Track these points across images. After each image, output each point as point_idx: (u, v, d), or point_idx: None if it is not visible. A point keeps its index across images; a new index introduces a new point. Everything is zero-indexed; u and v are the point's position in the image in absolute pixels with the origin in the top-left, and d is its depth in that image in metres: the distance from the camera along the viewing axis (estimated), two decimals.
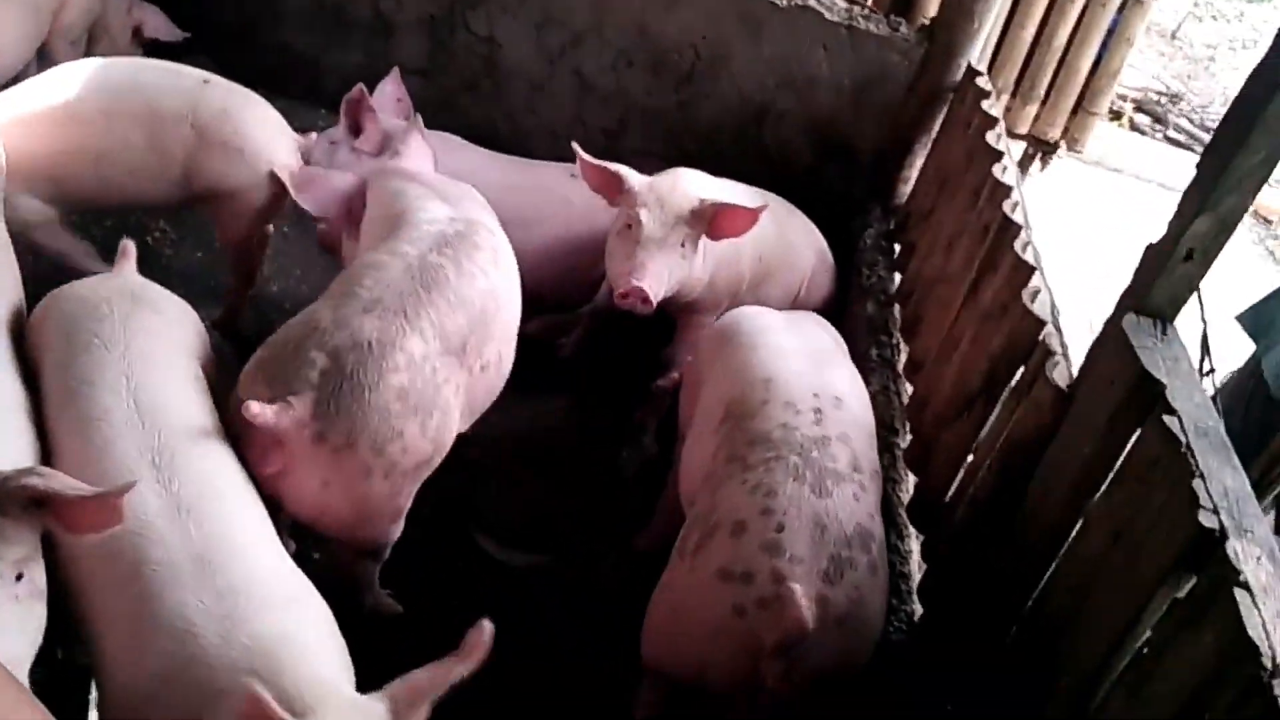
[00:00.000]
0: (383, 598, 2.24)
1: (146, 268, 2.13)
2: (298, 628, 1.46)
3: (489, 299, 2.11)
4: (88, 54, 3.38)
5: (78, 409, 1.66)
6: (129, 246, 2.06)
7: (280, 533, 1.74)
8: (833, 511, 1.74)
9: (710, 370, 2.28)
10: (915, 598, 2.22)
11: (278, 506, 1.88)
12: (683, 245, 2.58)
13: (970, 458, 2.19)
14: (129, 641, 1.43)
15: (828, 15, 3.23)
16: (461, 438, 2.75)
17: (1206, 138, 7.47)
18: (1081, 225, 4.81)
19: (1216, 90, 8.06)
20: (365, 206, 2.38)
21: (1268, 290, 2.93)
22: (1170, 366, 1.52)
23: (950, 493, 2.22)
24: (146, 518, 1.50)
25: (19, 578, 1.36)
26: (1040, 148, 4.51)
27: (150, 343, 1.81)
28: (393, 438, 1.85)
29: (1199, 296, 1.62)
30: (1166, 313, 1.62)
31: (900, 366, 2.85)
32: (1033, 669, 1.64)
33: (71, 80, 2.49)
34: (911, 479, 2.50)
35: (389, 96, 3.12)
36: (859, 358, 2.79)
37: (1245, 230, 6.32)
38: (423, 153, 2.72)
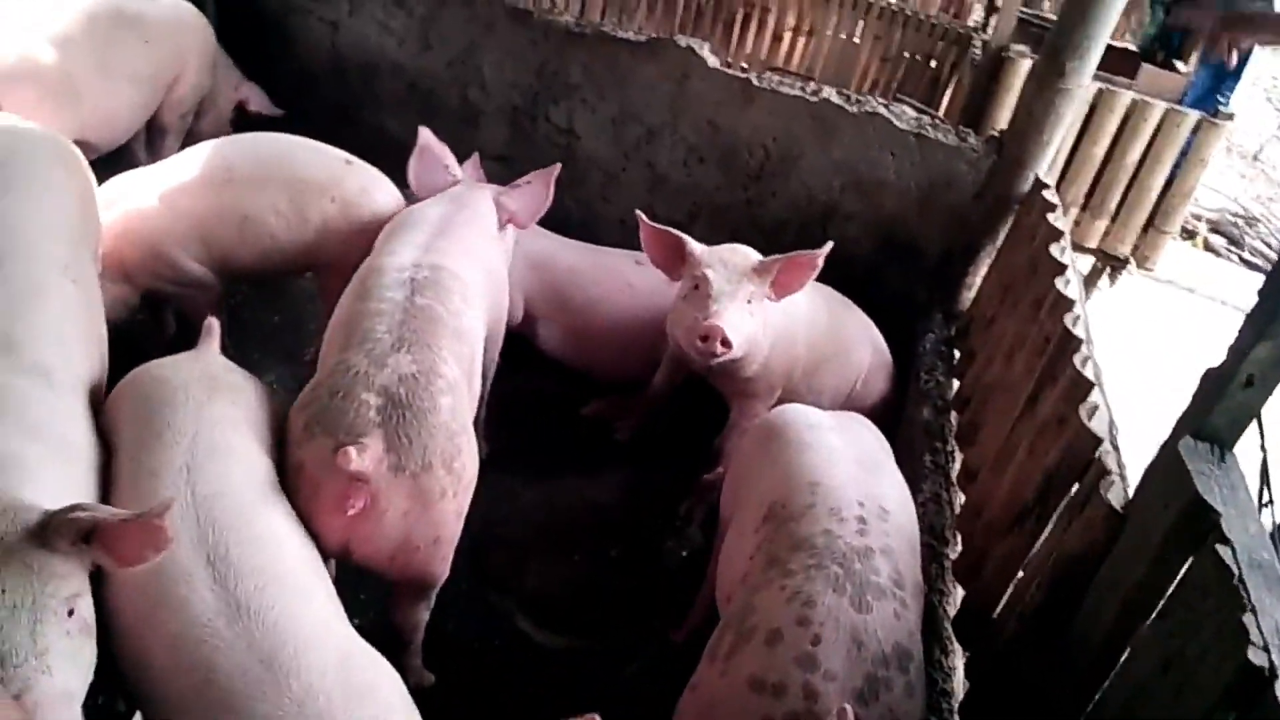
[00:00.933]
0: (420, 668, 2.26)
1: (227, 329, 2.26)
2: (387, 712, 1.48)
3: (473, 332, 2.32)
4: (193, 127, 3.64)
5: (139, 499, 1.68)
6: (214, 325, 2.16)
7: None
8: (871, 628, 1.69)
9: (756, 466, 2.27)
10: (957, 717, 2.15)
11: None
12: (749, 301, 2.63)
13: (1020, 573, 2.14)
14: None
15: (897, 123, 3.30)
16: (510, 515, 2.81)
17: None
18: (1150, 344, 4.72)
19: None
20: None
21: None
22: (1227, 495, 1.49)
23: (999, 608, 2.17)
24: (207, 620, 1.52)
25: (70, 613, 1.41)
26: (1110, 263, 4.48)
27: (221, 434, 1.84)
28: (457, 453, 2.00)
29: (1259, 424, 1.59)
30: (1225, 439, 1.59)
31: (954, 475, 2.81)
32: None
33: (229, 149, 2.78)
34: (959, 592, 2.45)
35: (469, 179, 3.28)
36: (914, 462, 2.77)
37: None
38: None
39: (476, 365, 2.38)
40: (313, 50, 3.89)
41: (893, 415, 3.15)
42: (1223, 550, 1.37)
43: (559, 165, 2.86)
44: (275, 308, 3.30)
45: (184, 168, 2.71)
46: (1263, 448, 1.56)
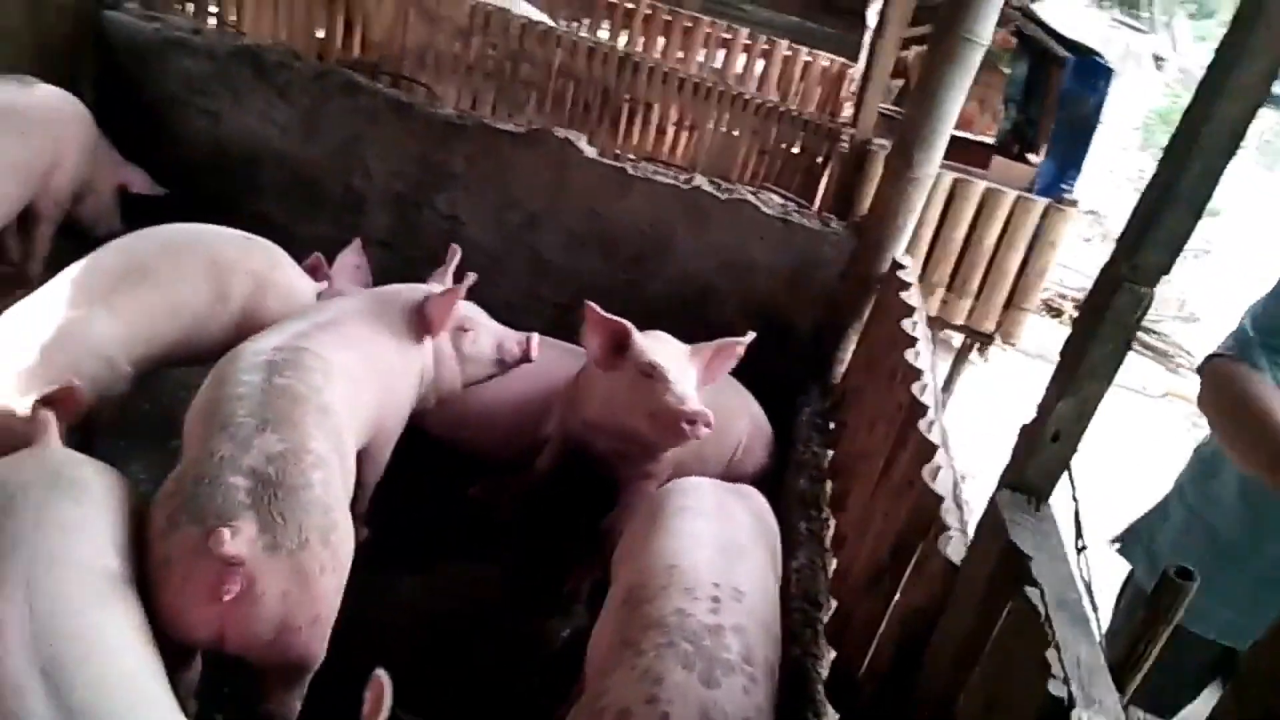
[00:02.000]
0: None
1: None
2: None
3: (337, 410, 2.29)
4: (72, 212, 3.60)
5: None
6: (48, 417, 2.06)
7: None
8: (720, 704, 1.71)
9: (627, 550, 2.33)
10: None
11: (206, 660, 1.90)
12: (693, 382, 2.78)
13: (881, 631, 2.22)
14: None
15: (764, 209, 3.50)
16: (388, 602, 2.76)
17: (1149, 338, 7.86)
18: (1017, 412, 4.98)
19: (1167, 293, 8.55)
20: None
21: None
22: (1039, 541, 1.60)
23: (861, 669, 2.23)
24: None
25: None
26: (977, 338, 4.74)
27: (61, 540, 1.76)
28: (333, 528, 1.99)
29: (1069, 475, 1.71)
30: (1040, 490, 1.71)
31: (828, 541, 2.90)
32: None
33: (141, 247, 2.76)
34: (832, 654, 2.51)
35: (349, 264, 3.33)
36: (790, 530, 2.85)
37: (1204, 428, 6.54)
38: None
39: (346, 443, 2.36)
40: (194, 140, 3.91)
41: (772, 483, 3.25)
42: (1031, 592, 1.46)
43: (474, 276, 2.87)
44: (145, 395, 3.23)
45: (98, 274, 2.63)
46: (1074, 498, 1.68)
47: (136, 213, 3.76)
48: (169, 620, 1.85)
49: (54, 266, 3.46)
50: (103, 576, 1.78)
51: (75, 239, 3.61)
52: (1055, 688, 1.29)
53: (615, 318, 2.79)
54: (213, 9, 4.86)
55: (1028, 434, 1.72)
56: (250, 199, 3.92)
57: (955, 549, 1.90)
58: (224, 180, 3.91)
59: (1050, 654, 1.35)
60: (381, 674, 1.38)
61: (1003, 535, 1.61)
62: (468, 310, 2.94)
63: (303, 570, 1.92)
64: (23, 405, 2.12)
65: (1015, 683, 1.43)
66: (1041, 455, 1.69)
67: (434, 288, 2.90)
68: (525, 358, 3.00)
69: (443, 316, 2.77)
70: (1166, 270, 1.56)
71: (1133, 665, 1.50)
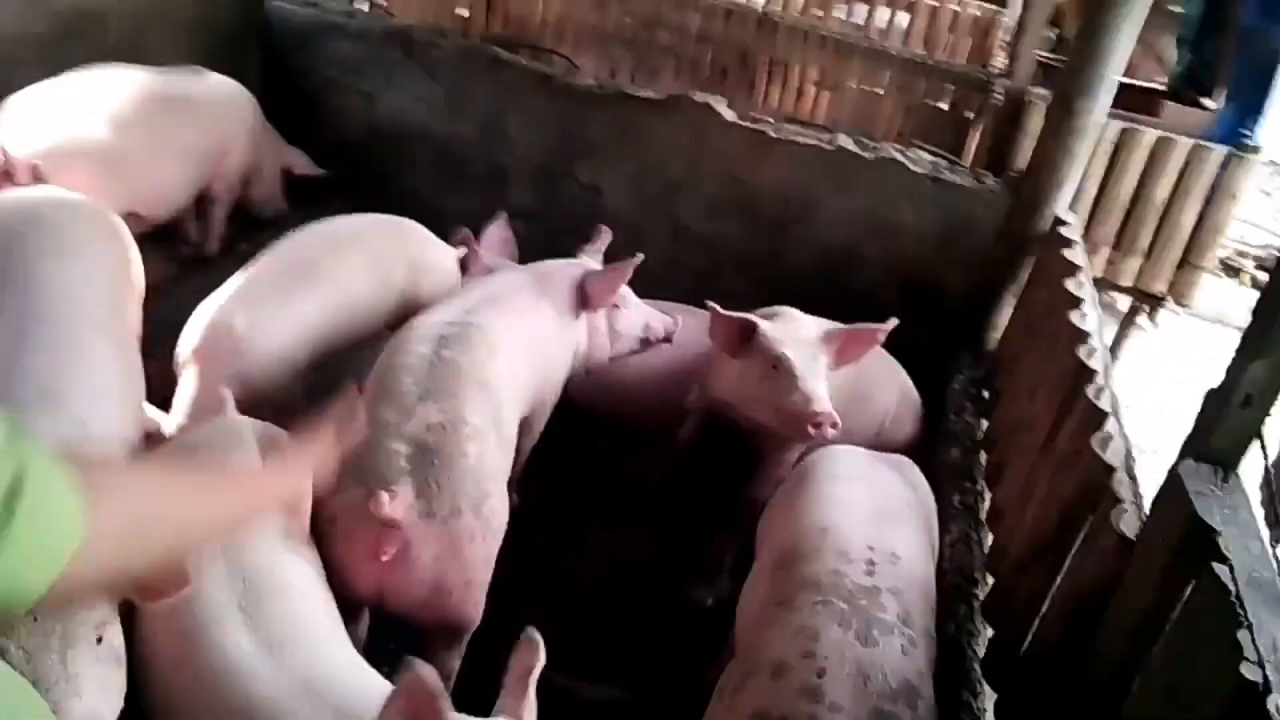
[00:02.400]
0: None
1: None
2: None
3: (499, 383, 2.34)
4: (243, 195, 3.83)
5: None
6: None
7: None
8: (878, 662, 1.68)
9: (777, 515, 2.31)
10: None
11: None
12: (822, 373, 2.69)
13: (1045, 609, 2.11)
14: None
15: (912, 167, 3.35)
16: (539, 571, 2.84)
17: None
18: (1192, 380, 4.64)
19: None
20: None
21: None
22: (1228, 515, 1.47)
23: (1024, 647, 2.13)
24: (243, 656, 1.58)
25: (99, 640, 1.48)
26: (1147, 301, 4.42)
27: None
28: (484, 498, 2.06)
29: (1261, 443, 1.57)
30: (1227, 460, 1.58)
31: (983, 514, 2.79)
32: None
33: (308, 249, 2.83)
34: (989, 632, 2.41)
35: (497, 238, 3.41)
36: (942, 504, 2.75)
37: None
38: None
39: (505, 416, 2.42)
40: (349, 121, 4.08)
41: (923, 456, 3.14)
42: (1220, 569, 1.35)
43: (640, 256, 2.86)
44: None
45: (271, 278, 2.70)
46: (1267, 466, 1.54)
47: (297, 191, 3.97)
48: (336, 574, 1.96)
49: (229, 245, 3.74)
50: (281, 524, 1.90)
51: (243, 221, 3.85)
52: (1249, 671, 1.19)
53: (739, 315, 2.71)
54: None
55: (1215, 399, 1.59)
56: (400, 176, 4.06)
57: (1129, 523, 1.78)
58: (377, 158, 4.07)
59: (1242, 635, 1.24)
60: (533, 633, 1.41)
61: (1186, 508, 1.49)
62: (620, 288, 2.97)
63: (455, 537, 2.00)
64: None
65: (1201, 666, 1.33)
66: (1230, 422, 1.56)
67: (589, 264, 2.94)
68: (667, 338, 3.01)
69: (604, 295, 2.82)
70: None
71: None
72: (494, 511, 2.10)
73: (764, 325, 2.69)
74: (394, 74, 3.96)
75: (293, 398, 2.61)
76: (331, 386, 2.47)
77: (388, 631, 2.30)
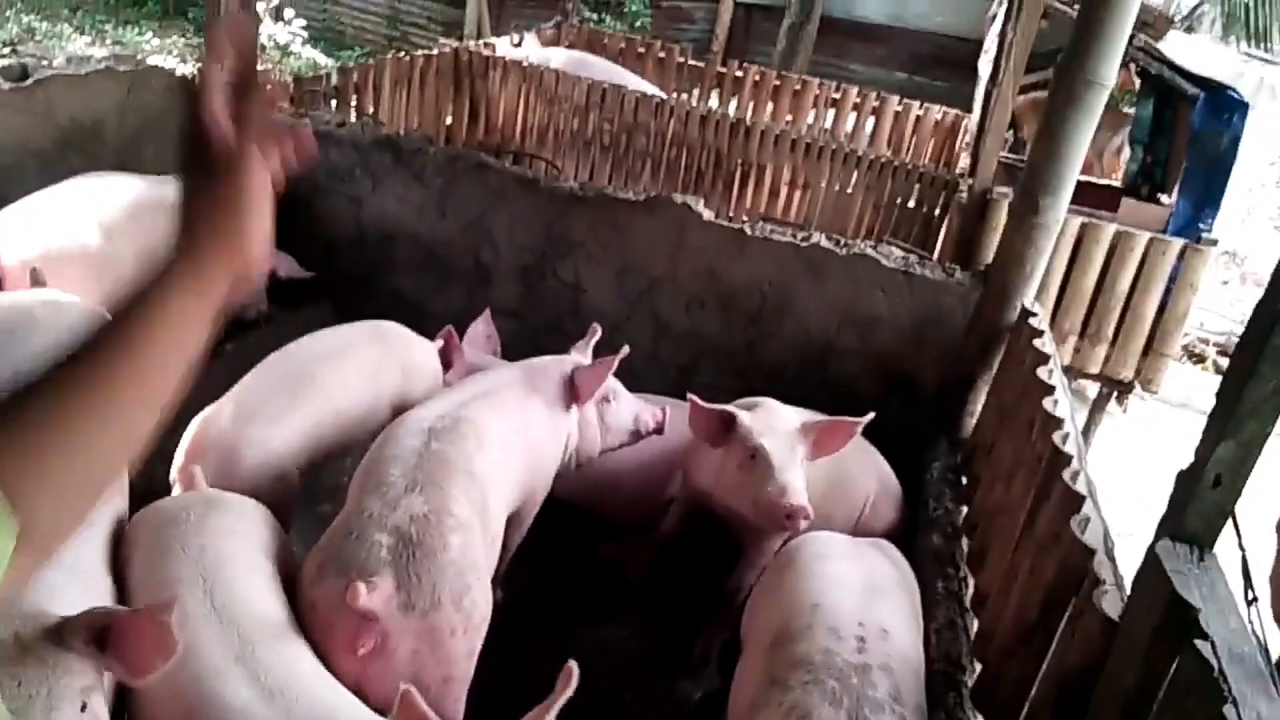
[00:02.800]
0: None
1: None
2: None
3: (487, 476, 2.36)
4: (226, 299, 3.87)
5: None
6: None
7: None
8: None
9: (766, 597, 2.33)
10: None
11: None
12: (799, 465, 2.71)
13: (1034, 692, 2.12)
14: None
15: (885, 262, 3.47)
16: (523, 663, 2.80)
17: None
18: (1161, 463, 4.74)
19: None
20: None
21: None
22: (1206, 592, 1.51)
23: None
24: (243, 706, 1.62)
25: (83, 707, 1.47)
26: (1115, 387, 4.54)
27: (224, 542, 1.97)
28: (465, 591, 2.04)
29: (1234, 521, 1.62)
30: (1202, 539, 1.63)
31: (968, 600, 2.80)
32: None
33: (300, 362, 2.87)
34: (979, 718, 2.40)
35: (480, 334, 3.47)
36: (926, 589, 2.77)
37: None
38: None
39: (492, 509, 2.44)
40: (337, 224, 4.17)
41: (904, 543, 3.16)
42: (1202, 645, 1.39)
43: (626, 349, 2.94)
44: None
45: (265, 393, 2.73)
46: (1240, 545, 1.59)
47: (285, 293, 4.03)
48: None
49: (213, 347, 3.77)
50: (266, 576, 1.97)
51: (226, 322, 3.88)
52: None
53: (719, 407, 2.77)
54: (353, 102, 5.22)
55: (1187, 479, 1.64)
56: (387, 276, 4.14)
57: (1111, 604, 1.81)
58: (364, 260, 4.16)
59: (1228, 710, 1.27)
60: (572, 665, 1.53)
61: (1166, 587, 1.53)
62: (610, 382, 3.03)
63: (434, 630, 1.98)
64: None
65: None
66: (1202, 501, 1.62)
67: (580, 360, 3.00)
68: (659, 429, 3.06)
69: (592, 388, 2.87)
70: None
71: None
72: (475, 605, 2.09)
73: (743, 416, 2.74)
74: (382, 179, 4.08)
75: (287, 506, 2.63)
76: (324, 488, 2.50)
77: None
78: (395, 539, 2.02)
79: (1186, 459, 1.67)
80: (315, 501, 3.18)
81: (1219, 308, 7.63)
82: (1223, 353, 6.94)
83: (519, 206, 3.92)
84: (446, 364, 3.20)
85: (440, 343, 3.22)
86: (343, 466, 2.86)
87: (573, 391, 2.86)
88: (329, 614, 1.95)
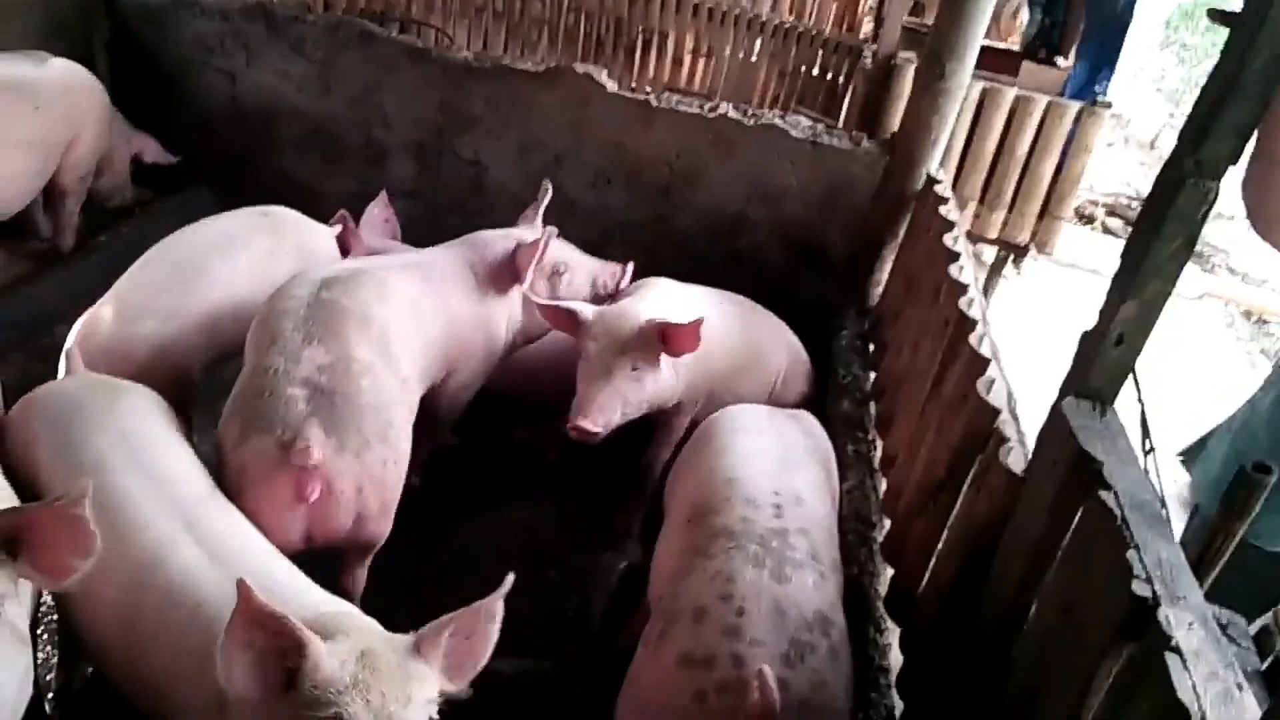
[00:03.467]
0: None
1: None
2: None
3: (385, 323, 2.36)
4: (93, 186, 3.59)
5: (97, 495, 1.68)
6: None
7: None
8: (792, 597, 1.77)
9: (684, 473, 2.37)
10: (895, 692, 2.21)
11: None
12: (634, 369, 2.61)
13: (940, 547, 2.22)
14: (197, 674, 1.48)
15: (792, 132, 3.42)
16: (445, 548, 2.80)
17: None
18: (1058, 322, 4.95)
19: None
20: None
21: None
22: (1108, 445, 1.58)
23: (922, 584, 2.24)
24: (195, 567, 1.65)
25: None
26: (1011, 251, 4.66)
27: (141, 422, 1.94)
28: (388, 427, 2.16)
29: (1134, 378, 1.68)
30: (1104, 395, 1.69)
31: (876, 462, 2.90)
32: None
33: (191, 254, 2.70)
34: (889, 572, 2.52)
35: (378, 218, 3.31)
36: (838, 454, 2.85)
37: (1240, 328, 6.46)
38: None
39: (396, 354, 2.36)
40: (211, 101, 3.87)
41: (816, 409, 3.23)
42: (1106, 496, 1.45)
43: (554, 229, 2.83)
44: None
45: (155, 286, 2.59)
46: (1140, 400, 1.66)
47: (161, 177, 3.76)
48: (255, 521, 1.92)
49: (84, 238, 3.51)
50: (187, 451, 1.97)
51: (94, 211, 3.61)
52: (1139, 587, 1.29)
53: (558, 304, 2.70)
54: None
55: (1090, 338, 1.69)
56: (271, 156, 3.89)
57: (1016, 460, 1.89)
58: (243, 139, 3.89)
59: (1130, 555, 1.34)
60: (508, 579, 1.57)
61: (1071, 442, 1.59)
62: (562, 253, 2.94)
63: (370, 466, 2.09)
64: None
65: (1094, 586, 1.42)
66: (1105, 359, 1.67)
67: (525, 233, 2.89)
68: (618, 288, 2.99)
69: (527, 267, 2.78)
70: (1233, 161, 1.52)
71: (1207, 564, 1.49)
72: (399, 437, 2.21)
73: (586, 313, 2.64)
74: (257, 51, 3.78)
75: (187, 404, 2.52)
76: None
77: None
78: (309, 390, 2.08)
79: (1077, 317, 1.72)
80: (218, 399, 3.05)
81: (1107, 169, 7.88)
82: (1111, 213, 7.20)
83: (410, 79, 3.69)
84: (344, 250, 3.04)
85: (337, 228, 3.05)
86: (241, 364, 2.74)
87: (514, 271, 2.79)
88: (265, 470, 1.99)
